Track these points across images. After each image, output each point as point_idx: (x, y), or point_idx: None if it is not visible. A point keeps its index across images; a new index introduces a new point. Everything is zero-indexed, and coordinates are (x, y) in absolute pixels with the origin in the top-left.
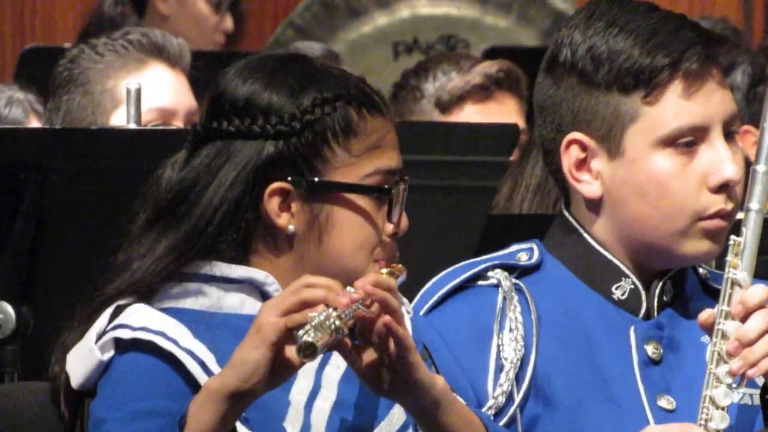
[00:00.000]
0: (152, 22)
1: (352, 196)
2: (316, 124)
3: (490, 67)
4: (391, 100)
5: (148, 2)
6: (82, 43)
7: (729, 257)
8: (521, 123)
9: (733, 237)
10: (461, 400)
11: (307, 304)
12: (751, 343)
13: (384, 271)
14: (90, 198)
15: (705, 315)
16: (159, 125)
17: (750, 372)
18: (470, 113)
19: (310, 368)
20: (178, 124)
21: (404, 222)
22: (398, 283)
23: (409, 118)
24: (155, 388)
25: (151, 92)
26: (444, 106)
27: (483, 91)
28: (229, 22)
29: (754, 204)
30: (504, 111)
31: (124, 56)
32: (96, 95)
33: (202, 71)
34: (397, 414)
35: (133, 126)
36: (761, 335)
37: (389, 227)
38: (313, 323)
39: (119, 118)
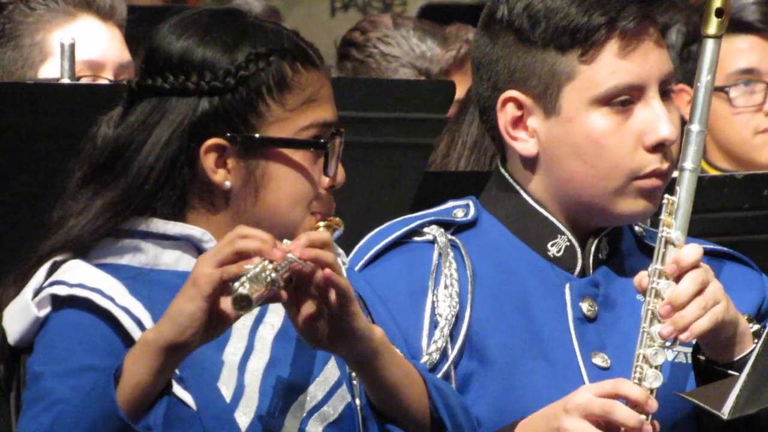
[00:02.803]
0: None
1: (288, 151)
2: (251, 80)
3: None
4: (352, 66)
5: None
6: None
7: (663, 216)
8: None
9: (667, 196)
10: (399, 351)
11: (241, 255)
12: (682, 306)
13: (321, 224)
14: (25, 154)
15: (639, 278)
16: (88, 78)
17: (681, 336)
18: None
19: (243, 328)
20: (107, 76)
21: (340, 175)
22: (335, 236)
23: None
24: (91, 344)
25: (80, 45)
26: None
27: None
28: None
29: (689, 163)
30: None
31: (54, 9)
32: (25, 48)
33: (138, 26)
34: (332, 370)
35: (66, 81)
36: (692, 298)
37: (325, 180)
38: (248, 275)
39: (48, 71)
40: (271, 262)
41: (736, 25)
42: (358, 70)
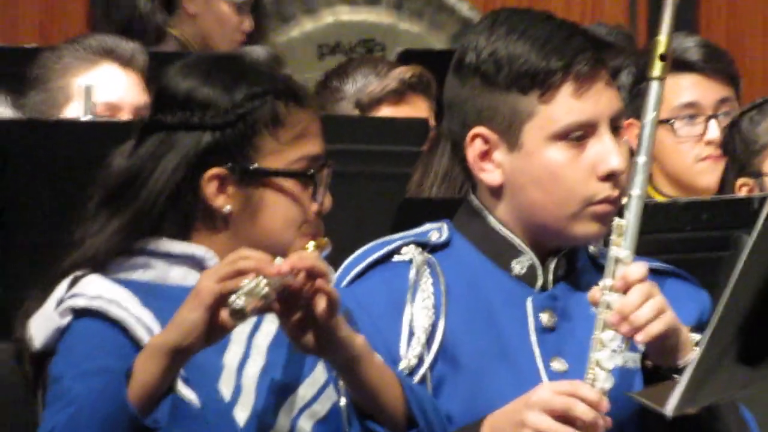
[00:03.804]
0: (180, 20)
1: (281, 180)
2: (248, 117)
3: (405, 72)
4: (316, 98)
5: (178, 2)
6: (68, 42)
7: (613, 237)
8: (431, 121)
9: (617, 219)
10: (379, 357)
11: (241, 273)
12: (630, 314)
13: (311, 244)
14: (49, 182)
15: (592, 293)
16: (106, 117)
17: (638, 338)
18: (386, 114)
19: (242, 335)
20: (124, 116)
21: (328, 201)
22: (323, 255)
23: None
24: (106, 349)
25: (101, 88)
26: (363, 107)
27: (398, 95)
28: (248, 23)
29: (636, 190)
30: (415, 112)
31: (80, 57)
32: (52, 91)
33: (156, 70)
34: (320, 372)
35: (86, 118)
36: (638, 307)
37: (314, 206)
38: (244, 290)
39: (71, 112)
40: (265, 278)
41: (680, 65)
42: (320, 100)
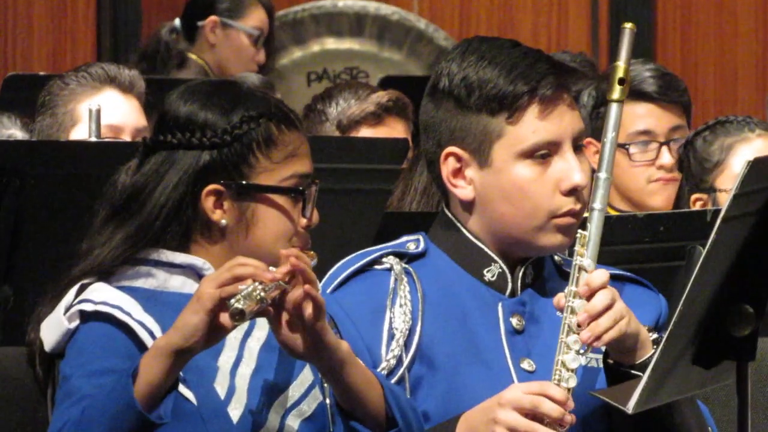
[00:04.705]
0: (201, 48)
1: (273, 196)
2: (244, 137)
3: (382, 96)
4: (303, 120)
5: (199, 31)
6: (73, 71)
7: (576, 247)
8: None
9: (580, 231)
10: (361, 361)
11: (238, 279)
12: (598, 316)
13: None
14: (59, 198)
15: (558, 298)
16: (110, 138)
17: (596, 343)
18: (365, 135)
19: (234, 340)
20: (125, 137)
21: (315, 216)
22: (311, 266)
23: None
24: (112, 351)
25: (104, 112)
26: (343, 129)
27: (375, 117)
28: (262, 56)
29: (597, 204)
30: (392, 133)
31: (84, 84)
32: (59, 116)
33: (156, 95)
34: (307, 374)
35: (93, 139)
36: (606, 310)
37: (303, 221)
38: (242, 293)
39: (77, 134)
40: (260, 283)
41: (636, 94)
42: (307, 122)
